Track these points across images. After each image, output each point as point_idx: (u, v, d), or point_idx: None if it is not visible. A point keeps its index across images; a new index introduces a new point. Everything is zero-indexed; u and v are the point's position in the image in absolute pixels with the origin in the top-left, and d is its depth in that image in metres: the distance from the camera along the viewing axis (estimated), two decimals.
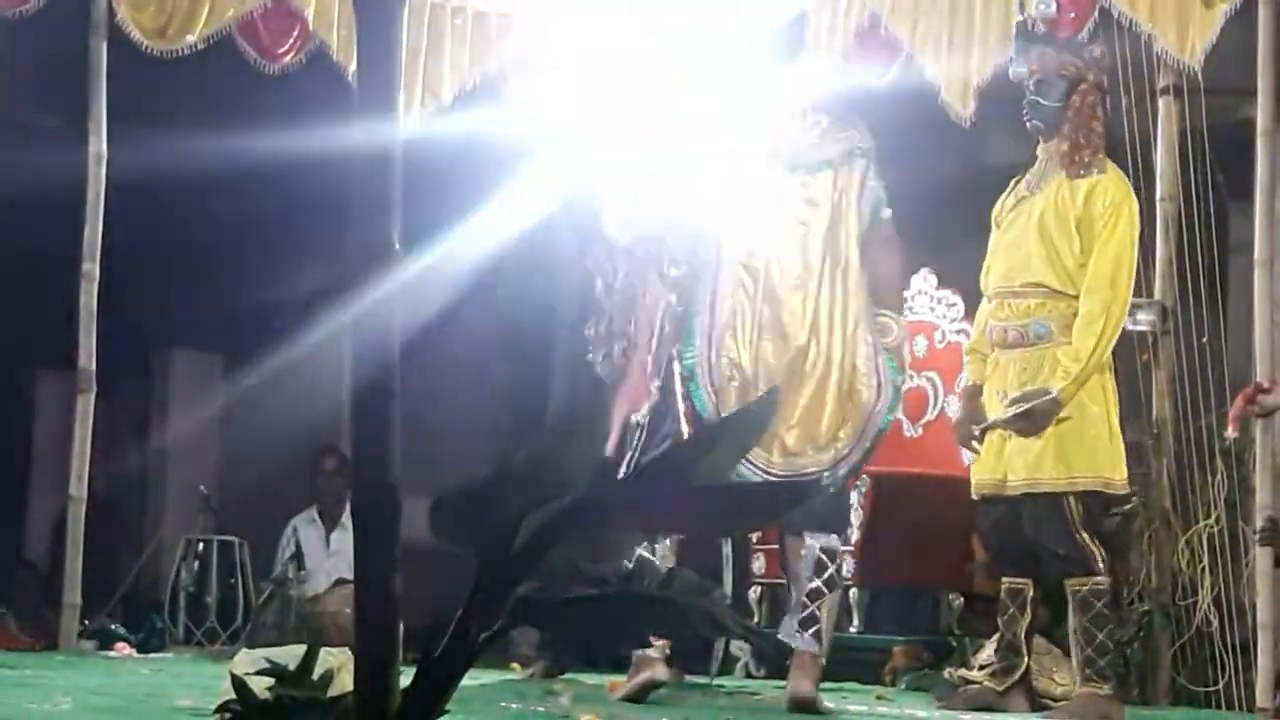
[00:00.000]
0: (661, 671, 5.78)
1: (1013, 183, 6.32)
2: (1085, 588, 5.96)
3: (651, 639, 5.71)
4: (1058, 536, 6.00)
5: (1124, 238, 6.03)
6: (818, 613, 5.71)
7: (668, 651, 5.92)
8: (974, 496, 6.29)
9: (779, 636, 5.72)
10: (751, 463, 5.52)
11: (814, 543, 5.74)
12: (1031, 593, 6.19)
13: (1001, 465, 6.12)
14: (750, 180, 5.78)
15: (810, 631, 5.67)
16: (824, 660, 5.77)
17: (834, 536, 5.80)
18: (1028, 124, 6.21)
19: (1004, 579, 6.27)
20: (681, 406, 5.68)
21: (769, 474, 5.53)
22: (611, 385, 6.15)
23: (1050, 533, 6.01)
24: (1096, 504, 6.06)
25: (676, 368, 5.74)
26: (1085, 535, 5.97)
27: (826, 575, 5.74)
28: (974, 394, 6.33)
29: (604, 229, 6.12)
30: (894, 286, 5.99)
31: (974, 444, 6.28)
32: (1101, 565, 5.98)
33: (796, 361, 5.67)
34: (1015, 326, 6.13)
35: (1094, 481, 6.01)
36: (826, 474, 5.63)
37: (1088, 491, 6.00)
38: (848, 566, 8.30)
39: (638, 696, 5.73)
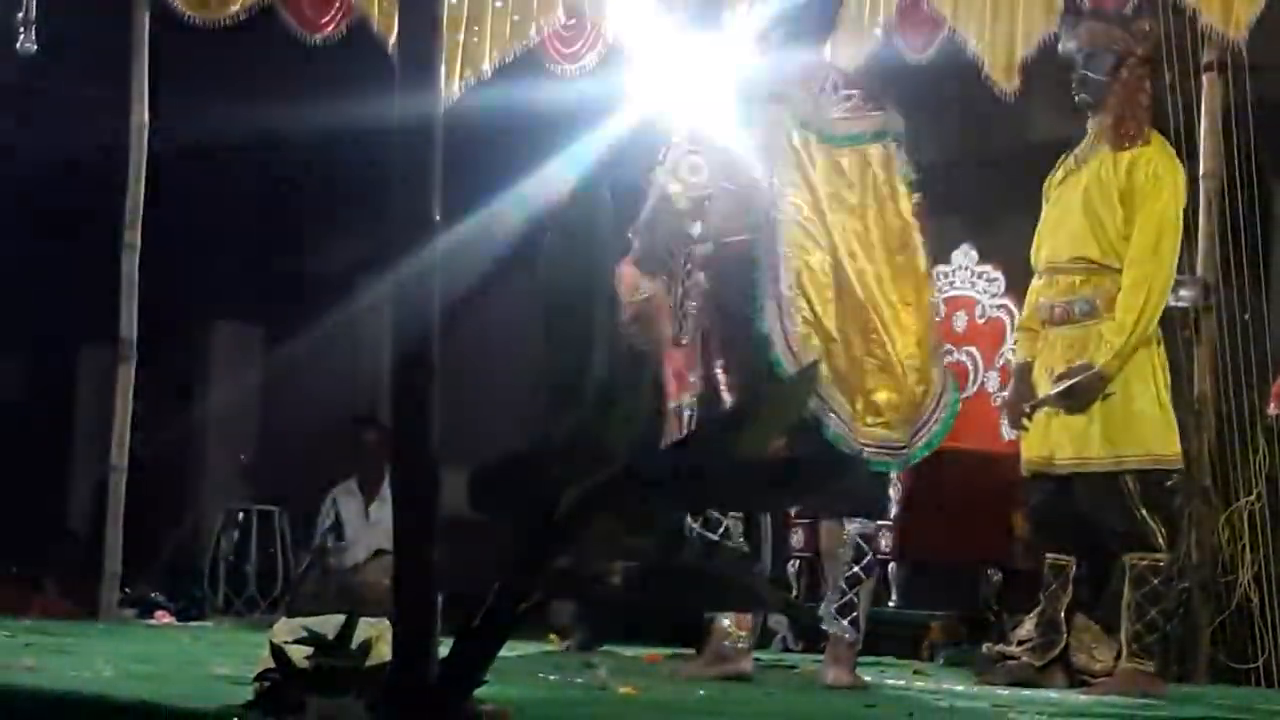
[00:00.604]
0: (748, 665, 5.75)
1: (1062, 157, 6.28)
2: (1143, 563, 5.91)
3: (737, 627, 5.70)
4: (1118, 515, 5.94)
5: (1166, 208, 5.96)
6: (855, 599, 5.67)
7: (753, 641, 5.90)
8: (1023, 474, 6.25)
9: (821, 626, 5.71)
10: (844, 422, 5.50)
11: (853, 529, 5.70)
12: (1074, 570, 6.17)
13: (1049, 443, 6.08)
14: (791, 150, 5.74)
15: (849, 619, 5.65)
16: (860, 645, 5.76)
17: (871, 522, 5.77)
18: (1076, 98, 6.16)
19: (1048, 555, 6.25)
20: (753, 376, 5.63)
21: (866, 444, 5.52)
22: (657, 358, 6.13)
23: (1110, 512, 5.95)
24: (1155, 480, 5.99)
25: (728, 358, 5.71)
26: (1145, 512, 5.92)
27: (865, 561, 5.70)
28: (1024, 372, 6.30)
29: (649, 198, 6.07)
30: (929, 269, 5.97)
31: (1024, 422, 6.23)
32: (1162, 542, 5.93)
33: (867, 322, 5.63)
34: (1061, 303, 6.09)
35: (1144, 460, 5.95)
36: (905, 443, 5.61)
37: (1142, 469, 5.95)
38: (885, 543, 8.31)
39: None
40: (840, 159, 5.74)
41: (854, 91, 5.84)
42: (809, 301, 5.59)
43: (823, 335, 5.58)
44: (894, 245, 5.70)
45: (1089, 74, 6.09)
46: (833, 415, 5.50)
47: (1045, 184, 6.30)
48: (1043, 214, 6.28)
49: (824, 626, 5.69)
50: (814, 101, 5.76)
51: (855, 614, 5.66)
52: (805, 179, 5.70)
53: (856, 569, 5.69)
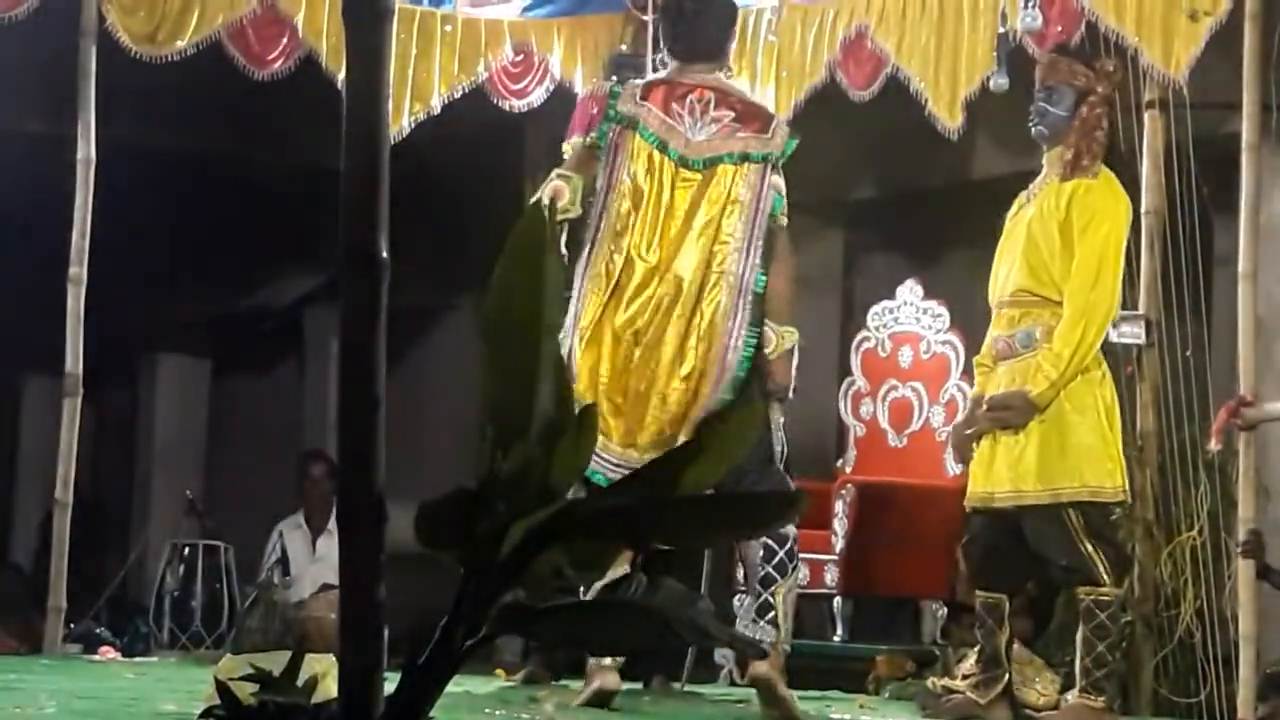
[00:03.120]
0: (613, 681, 5.74)
1: (1020, 196, 6.28)
2: (1090, 597, 5.90)
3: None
4: (1061, 548, 5.93)
5: (1107, 240, 5.95)
6: (771, 599, 5.63)
7: (620, 660, 5.89)
8: (966, 508, 6.24)
9: (737, 628, 5.67)
10: (599, 456, 5.49)
11: None
12: (1008, 606, 6.16)
13: (992, 478, 6.07)
14: (633, 171, 5.77)
15: (766, 619, 5.62)
16: (787, 648, 5.71)
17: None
18: (1032, 129, 6.17)
19: (979, 593, 6.23)
20: None
21: (617, 465, 5.50)
22: None
23: (1054, 545, 5.94)
24: (1097, 513, 5.99)
25: None
26: (1089, 545, 5.91)
27: (776, 560, 5.66)
28: (975, 403, 6.31)
29: None
30: (779, 295, 5.84)
31: (969, 454, 6.22)
32: (1106, 576, 5.91)
33: (632, 353, 5.67)
34: (1005, 337, 6.10)
35: (1080, 492, 5.94)
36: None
37: (1079, 501, 5.94)
38: (832, 576, 8.33)
39: (596, 704, 5.72)
40: (691, 182, 5.76)
41: (727, 113, 5.85)
42: (582, 329, 5.66)
43: (590, 363, 5.64)
44: (713, 268, 5.70)
45: (1049, 108, 6.10)
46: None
47: (1006, 222, 6.30)
48: (996, 253, 6.29)
49: (740, 629, 5.64)
50: (670, 124, 5.78)
51: (773, 613, 5.63)
52: (648, 202, 5.73)
53: (768, 569, 5.65)
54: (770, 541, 5.67)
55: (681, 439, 5.52)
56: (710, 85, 5.89)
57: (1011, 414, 5.96)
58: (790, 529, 5.74)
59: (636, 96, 5.86)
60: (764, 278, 5.72)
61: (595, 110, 5.94)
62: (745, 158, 5.78)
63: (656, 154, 5.77)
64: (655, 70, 7.71)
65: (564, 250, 6.00)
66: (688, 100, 5.82)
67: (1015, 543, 6.03)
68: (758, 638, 5.60)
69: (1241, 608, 6.77)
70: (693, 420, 5.61)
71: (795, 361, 5.83)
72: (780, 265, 5.84)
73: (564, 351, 5.65)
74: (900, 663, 8.12)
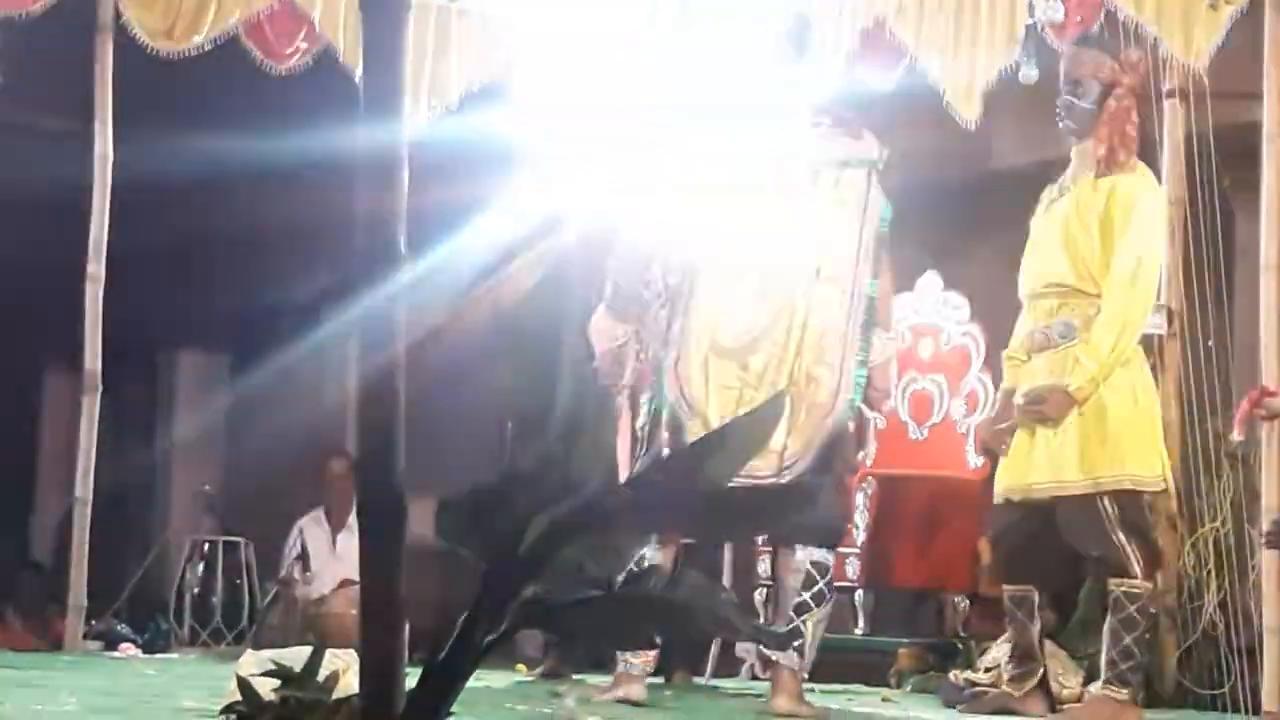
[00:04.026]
0: (638, 692, 5.73)
1: (1045, 189, 6.24)
2: (1120, 589, 5.86)
3: (632, 655, 5.67)
4: (1093, 538, 5.89)
5: (1145, 235, 5.93)
6: (802, 628, 5.63)
7: (649, 669, 5.88)
8: (997, 501, 6.19)
9: (761, 649, 5.67)
10: None
11: (804, 556, 5.65)
12: (1037, 598, 6.13)
13: (1031, 469, 6.02)
14: (740, 182, 5.75)
15: (793, 646, 5.61)
16: (805, 675, 5.70)
17: (826, 551, 5.72)
18: (1060, 124, 6.14)
19: (1006, 586, 6.20)
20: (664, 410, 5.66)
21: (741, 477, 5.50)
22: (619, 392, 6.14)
23: (1086, 535, 5.90)
24: (1132, 503, 5.94)
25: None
26: (1122, 535, 5.86)
27: (815, 590, 5.66)
28: (1006, 397, 6.28)
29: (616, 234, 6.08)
30: (881, 302, 5.88)
31: (1003, 447, 6.18)
32: (1138, 567, 5.87)
33: (747, 363, 5.66)
34: (1041, 329, 6.07)
35: (1121, 480, 5.89)
36: (770, 479, 5.39)
37: (1121, 491, 5.90)
38: (852, 571, 8.32)
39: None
40: (800, 189, 5.74)
41: (823, 118, 5.85)
42: (696, 346, 5.63)
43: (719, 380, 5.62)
44: (826, 275, 5.68)
45: (1075, 101, 6.06)
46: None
47: (1032, 219, 6.26)
48: (1027, 246, 6.25)
49: (766, 651, 5.66)
50: (780, 131, 5.77)
51: (800, 641, 5.61)
52: (747, 214, 5.71)
53: (805, 596, 5.65)
54: (812, 570, 5.66)
55: (793, 445, 5.54)
56: None
57: (1048, 408, 5.93)
58: (831, 558, 5.74)
59: None
60: (874, 282, 5.72)
61: None
62: (845, 164, 5.77)
63: (755, 167, 5.76)
64: None
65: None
66: None
67: (1048, 535, 5.99)
68: (782, 662, 5.59)
69: (1265, 599, 6.75)
70: (807, 427, 5.60)
71: (894, 367, 5.85)
72: (885, 272, 5.84)
73: (670, 365, 5.64)
74: (922, 656, 8.12)
